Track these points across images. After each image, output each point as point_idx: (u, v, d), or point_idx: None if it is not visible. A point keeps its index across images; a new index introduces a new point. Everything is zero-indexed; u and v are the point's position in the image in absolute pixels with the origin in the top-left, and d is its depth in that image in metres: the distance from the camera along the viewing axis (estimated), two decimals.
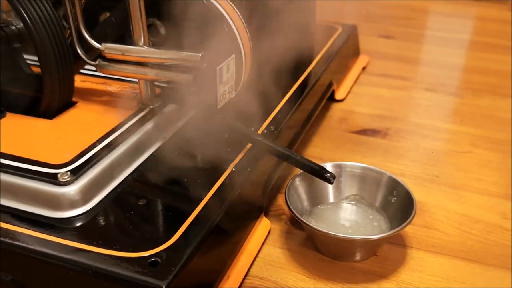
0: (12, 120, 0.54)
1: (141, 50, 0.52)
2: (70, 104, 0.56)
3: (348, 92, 0.83)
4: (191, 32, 0.48)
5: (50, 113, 0.54)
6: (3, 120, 0.53)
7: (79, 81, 0.63)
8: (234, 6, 0.48)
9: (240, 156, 0.52)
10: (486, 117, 0.75)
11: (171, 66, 0.51)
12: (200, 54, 0.48)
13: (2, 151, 0.47)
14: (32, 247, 0.39)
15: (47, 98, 0.54)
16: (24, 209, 0.43)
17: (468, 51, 1.03)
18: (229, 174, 0.49)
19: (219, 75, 0.45)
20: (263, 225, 0.52)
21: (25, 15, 0.50)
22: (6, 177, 0.44)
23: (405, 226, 0.46)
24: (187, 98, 0.51)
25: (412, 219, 0.46)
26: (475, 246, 0.50)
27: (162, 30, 0.59)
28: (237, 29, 0.47)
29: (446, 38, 1.09)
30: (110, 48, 0.53)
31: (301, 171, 0.52)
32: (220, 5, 0.47)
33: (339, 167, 0.54)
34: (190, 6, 0.47)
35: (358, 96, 0.82)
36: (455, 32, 1.12)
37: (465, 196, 0.58)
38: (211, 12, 0.48)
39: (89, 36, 0.54)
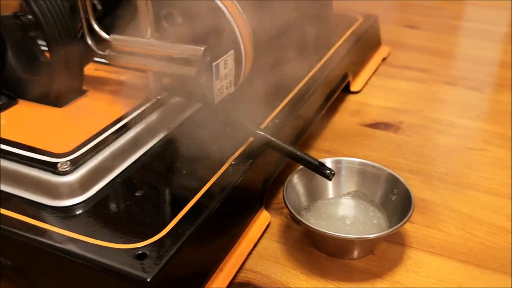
0: (23, 108, 0.55)
1: (146, 42, 0.52)
2: (80, 93, 0.58)
3: (365, 84, 0.82)
4: (188, 27, 0.48)
5: (60, 101, 0.56)
6: (14, 107, 0.55)
7: (92, 69, 0.64)
8: (235, 1, 0.48)
9: (241, 149, 0.52)
10: (504, 113, 0.72)
11: (177, 58, 0.52)
12: (202, 48, 0.48)
13: (9, 138, 0.49)
14: (28, 234, 0.41)
15: (57, 86, 0.55)
16: (24, 196, 0.45)
17: (498, 43, 0.99)
18: (228, 167, 0.49)
19: (215, 71, 0.45)
20: (262, 218, 0.52)
21: (32, 4, 0.51)
22: (9, 164, 0.46)
23: (400, 226, 0.45)
24: (189, 91, 0.51)
25: (408, 219, 0.46)
26: (476, 248, 0.49)
27: (179, 19, 0.59)
28: (236, 25, 0.47)
29: (476, 30, 1.05)
30: (117, 40, 0.53)
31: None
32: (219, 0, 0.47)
33: (339, 162, 0.53)
34: (188, 1, 0.47)
35: (375, 88, 0.81)
36: (488, 24, 1.07)
37: (471, 195, 0.56)
38: (209, 7, 0.48)
39: (98, 27, 0.55)
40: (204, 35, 0.48)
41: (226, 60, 0.46)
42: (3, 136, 0.49)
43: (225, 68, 0.47)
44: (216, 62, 0.45)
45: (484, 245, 0.50)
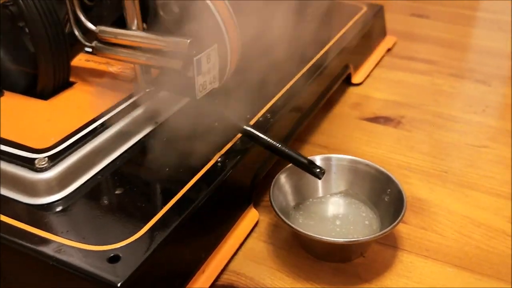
0: (8, 100, 0.54)
1: (132, 34, 0.51)
2: (68, 85, 0.56)
3: (367, 76, 0.79)
4: (171, 21, 0.46)
5: (46, 94, 0.54)
6: None
7: (83, 60, 0.62)
8: None
9: (228, 145, 0.50)
10: (511, 108, 0.69)
11: (163, 51, 0.50)
12: (188, 41, 0.46)
13: None
14: (1, 233, 0.39)
15: (42, 79, 0.54)
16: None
17: (510, 34, 0.95)
18: (213, 164, 0.48)
19: (196, 66, 0.43)
20: (250, 217, 0.51)
21: None
22: None
23: (390, 230, 0.43)
24: (175, 84, 0.50)
25: (398, 223, 0.43)
26: (472, 253, 0.47)
27: (176, 8, 0.57)
28: (221, 18, 0.45)
29: (488, 20, 1.01)
30: (103, 31, 0.52)
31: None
32: None
33: (329, 160, 0.51)
34: None
35: (377, 80, 0.78)
36: (501, 14, 1.02)
37: (471, 195, 0.54)
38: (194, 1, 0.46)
39: (84, 18, 0.53)
40: (186, 28, 0.46)
41: (209, 54, 0.44)
42: None
43: (208, 63, 0.45)
44: (198, 57, 0.43)
45: (481, 249, 0.47)
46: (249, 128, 0.48)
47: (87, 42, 0.54)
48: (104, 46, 0.53)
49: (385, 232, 0.43)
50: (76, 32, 0.54)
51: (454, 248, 0.48)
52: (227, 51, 0.47)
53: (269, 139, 0.48)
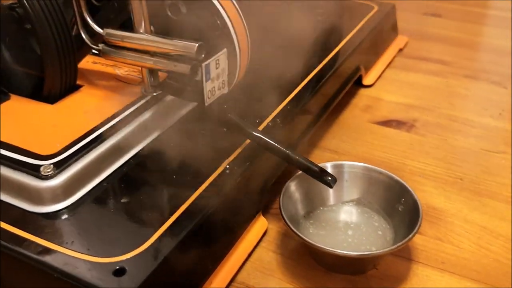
0: (14, 104, 0.53)
1: (139, 37, 0.49)
2: (74, 88, 0.55)
3: (379, 77, 0.77)
4: (179, 25, 0.45)
5: (52, 97, 0.53)
6: (5, 103, 0.53)
7: (90, 63, 0.61)
8: None
9: (237, 151, 0.49)
10: None
11: (171, 55, 0.49)
12: (196, 45, 0.45)
13: None
14: (3, 241, 0.38)
15: (48, 82, 0.53)
16: (3, 200, 0.42)
17: None
18: (221, 172, 0.46)
19: (205, 71, 0.42)
20: (259, 225, 0.49)
21: None
22: None
23: (406, 242, 0.42)
24: (183, 88, 0.48)
25: (414, 235, 0.42)
26: (490, 266, 0.45)
27: (184, 9, 0.56)
28: (231, 22, 0.44)
29: (503, 18, 0.98)
30: (110, 34, 0.51)
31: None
32: None
33: (341, 167, 0.49)
34: None
35: (389, 81, 0.76)
36: None
37: (488, 204, 0.52)
38: (203, 3, 0.44)
39: (91, 20, 0.52)
40: (195, 32, 0.45)
41: (217, 59, 0.43)
42: None
43: (216, 68, 0.43)
44: (207, 62, 0.42)
45: (500, 262, 0.46)
46: (258, 134, 0.47)
47: (94, 44, 0.53)
48: (111, 49, 0.52)
49: (400, 245, 0.41)
50: (83, 35, 0.53)
51: (471, 260, 0.46)
52: (236, 56, 0.45)
53: (278, 146, 0.46)
